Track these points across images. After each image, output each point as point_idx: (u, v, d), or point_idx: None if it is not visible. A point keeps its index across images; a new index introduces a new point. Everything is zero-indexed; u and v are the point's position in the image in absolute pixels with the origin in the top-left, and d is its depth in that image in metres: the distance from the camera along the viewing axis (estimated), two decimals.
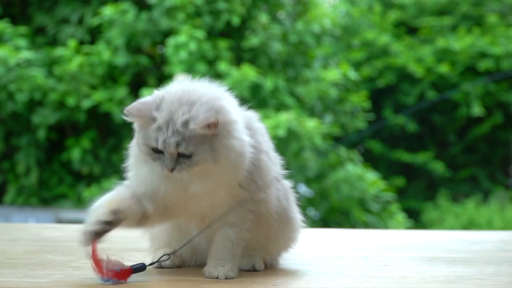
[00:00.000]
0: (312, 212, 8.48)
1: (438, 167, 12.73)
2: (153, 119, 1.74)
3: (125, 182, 1.92)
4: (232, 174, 1.78)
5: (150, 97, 1.81)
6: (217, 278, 1.77)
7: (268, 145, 1.91)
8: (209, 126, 1.70)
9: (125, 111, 1.76)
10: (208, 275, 1.79)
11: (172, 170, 1.73)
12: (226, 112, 1.75)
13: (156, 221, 1.84)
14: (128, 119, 1.78)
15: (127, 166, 1.92)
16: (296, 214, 2.03)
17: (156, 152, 1.75)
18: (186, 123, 1.71)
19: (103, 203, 1.84)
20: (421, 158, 12.91)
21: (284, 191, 1.98)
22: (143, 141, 1.77)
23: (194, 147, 1.72)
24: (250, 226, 1.86)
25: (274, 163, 1.92)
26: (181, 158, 1.73)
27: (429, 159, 12.86)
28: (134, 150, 1.85)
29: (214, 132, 1.72)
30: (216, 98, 1.77)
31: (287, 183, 2.02)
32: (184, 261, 1.99)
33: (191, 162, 1.73)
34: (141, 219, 1.80)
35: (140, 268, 1.80)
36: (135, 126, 1.81)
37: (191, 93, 1.77)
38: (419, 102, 12.89)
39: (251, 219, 1.86)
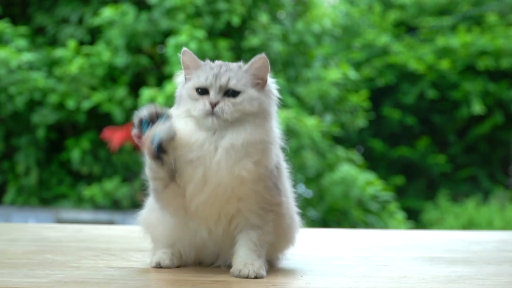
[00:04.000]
0: (312, 212, 8.48)
1: (439, 160, 12.75)
2: (206, 63, 1.87)
3: None
4: (265, 134, 1.81)
5: None
6: (247, 277, 1.79)
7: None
8: (261, 68, 1.85)
9: (183, 50, 1.87)
10: (238, 274, 1.81)
11: (215, 104, 1.77)
12: (273, 83, 1.92)
13: (173, 188, 1.83)
14: (184, 57, 1.87)
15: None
16: (296, 214, 2.04)
17: (201, 93, 1.82)
18: (240, 67, 1.86)
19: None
20: (421, 149, 12.92)
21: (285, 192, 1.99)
22: (188, 85, 1.84)
23: (244, 86, 1.81)
24: (271, 228, 1.88)
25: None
26: (226, 97, 1.79)
27: (428, 152, 12.87)
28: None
29: (264, 79, 1.85)
30: None
31: (287, 185, 2.03)
32: (186, 263, 1.99)
33: (236, 101, 1.79)
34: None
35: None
36: (179, 80, 1.90)
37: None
38: (419, 101, 12.89)
39: (272, 220, 1.88)
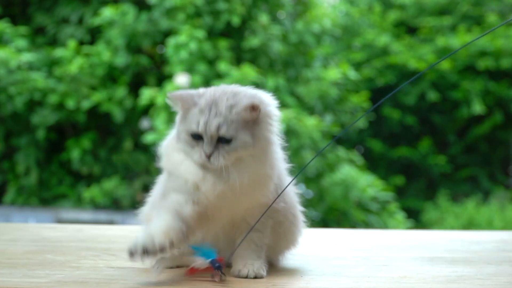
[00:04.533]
0: (312, 212, 8.49)
1: (439, 160, 12.75)
2: (196, 104, 1.76)
3: (163, 190, 1.87)
4: (267, 167, 1.79)
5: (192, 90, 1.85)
6: (246, 277, 1.79)
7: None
8: (253, 108, 1.74)
9: (168, 95, 1.79)
10: (237, 274, 1.81)
11: (209, 156, 1.74)
12: (268, 105, 1.80)
13: (196, 229, 1.79)
14: (171, 102, 1.80)
15: (163, 167, 1.89)
16: (299, 214, 2.04)
17: (196, 138, 1.76)
18: (230, 107, 1.74)
19: (158, 234, 1.72)
20: (421, 149, 12.93)
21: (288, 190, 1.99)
22: (183, 127, 1.78)
23: (235, 131, 1.73)
24: (269, 232, 1.89)
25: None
26: (220, 144, 1.74)
27: (428, 152, 12.88)
28: (170, 147, 1.84)
29: (256, 117, 1.75)
30: (259, 92, 1.84)
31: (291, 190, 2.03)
32: (186, 262, 1.99)
33: (230, 148, 1.74)
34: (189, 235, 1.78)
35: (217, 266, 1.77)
36: (177, 117, 1.83)
37: (233, 87, 1.83)
38: (419, 101, 12.89)
39: (270, 225, 1.89)
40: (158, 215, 1.76)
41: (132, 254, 1.68)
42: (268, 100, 1.82)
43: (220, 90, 1.81)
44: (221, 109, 1.74)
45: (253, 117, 1.75)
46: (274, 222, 1.90)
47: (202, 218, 1.78)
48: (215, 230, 1.88)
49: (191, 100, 1.77)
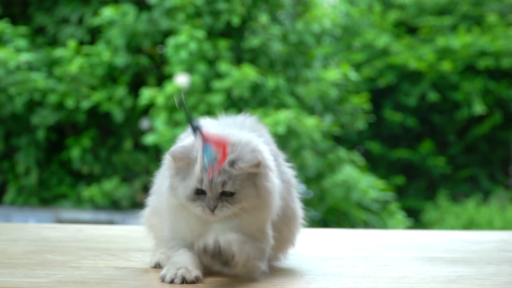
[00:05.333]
0: (312, 212, 8.49)
1: (438, 162, 12.75)
2: (195, 159, 1.75)
3: (164, 236, 1.91)
4: (268, 214, 1.82)
5: (187, 140, 1.81)
6: (204, 249, 1.70)
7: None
8: (256, 165, 1.75)
9: (169, 154, 1.78)
10: (198, 245, 1.72)
11: (213, 209, 1.75)
12: (265, 154, 1.81)
13: None
14: (172, 161, 1.78)
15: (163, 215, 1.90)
16: (299, 212, 2.04)
17: (197, 193, 1.76)
18: (233, 163, 1.75)
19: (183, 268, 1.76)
20: (421, 151, 12.93)
21: (288, 187, 1.99)
22: (182, 183, 1.77)
23: (239, 185, 1.75)
24: (271, 243, 1.87)
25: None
26: (223, 197, 1.76)
27: (428, 154, 12.87)
28: (168, 200, 1.83)
29: (258, 171, 1.77)
30: (254, 139, 1.82)
31: (290, 173, 2.03)
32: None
33: (233, 200, 1.76)
34: None
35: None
36: (170, 171, 1.80)
37: (229, 136, 1.78)
38: (419, 102, 12.89)
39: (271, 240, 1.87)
40: (175, 253, 1.81)
41: (172, 281, 1.72)
42: (263, 149, 1.82)
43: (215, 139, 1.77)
44: (224, 166, 1.74)
45: (256, 171, 1.77)
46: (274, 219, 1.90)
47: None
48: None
49: (192, 156, 1.76)
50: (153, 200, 2.02)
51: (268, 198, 1.80)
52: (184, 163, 1.77)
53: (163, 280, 1.73)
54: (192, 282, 1.73)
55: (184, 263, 1.77)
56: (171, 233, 1.86)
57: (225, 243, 1.70)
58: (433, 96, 12.57)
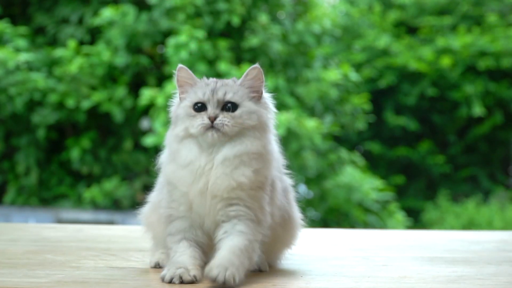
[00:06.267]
0: (312, 212, 8.48)
1: (438, 160, 12.76)
2: (201, 80, 1.86)
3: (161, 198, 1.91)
4: (259, 151, 1.80)
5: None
6: (214, 280, 1.69)
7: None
8: (256, 78, 1.83)
9: (177, 68, 1.87)
10: (207, 273, 1.71)
11: (214, 118, 1.77)
12: (269, 97, 1.91)
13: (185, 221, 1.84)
14: (178, 75, 1.86)
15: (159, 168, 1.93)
16: (296, 213, 2.04)
17: (198, 109, 1.81)
18: (234, 81, 1.85)
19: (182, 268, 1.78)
20: (420, 150, 12.93)
21: (284, 189, 1.99)
22: (183, 104, 1.84)
23: (241, 98, 1.81)
24: (261, 238, 1.83)
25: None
26: (225, 112, 1.79)
27: (428, 153, 12.88)
28: (170, 134, 1.88)
29: (260, 88, 1.85)
30: None
31: (288, 181, 2.03)
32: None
33: (234, 114, 1.79)
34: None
35: None
36: (178, 95, 1.89)
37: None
38: (419, 102, 12.89)
39: (262, 233, 1.83)
40: (176, 251, 1.81)
41: (170, 281, 1.73)
42: (268, 95, 1.91)
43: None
44: (227, 82, 1.84)
45: (257, 86, 1.83)
46: (273, 220, 1.89)
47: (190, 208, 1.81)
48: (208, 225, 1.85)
49: (196, 79, 1.86)
50: (153, 196, 2.03)
51: (268, 123, 1.84)
52: (192, 79, 1.86)
53: (163, 279, 1.74)
54: (191, 282, 1.73)
55: (184, 263, 1.77)
56: (168, 195, 1.84)
57: (229, 277, 1.71)
58: (431, 91, 12.57)
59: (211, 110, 1.78)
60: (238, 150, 1.77)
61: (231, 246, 1.75)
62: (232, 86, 1.82)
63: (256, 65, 1.84)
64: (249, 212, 1.79)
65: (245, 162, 1.77)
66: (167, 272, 1.75)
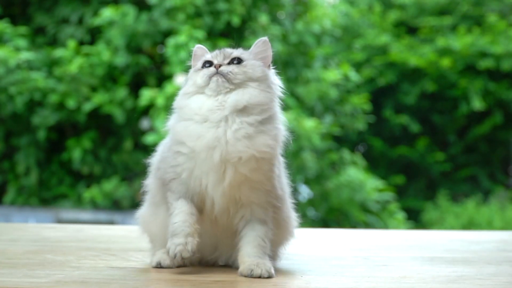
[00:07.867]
0: (312, 212, 8.49)
1: (438, 157, 12.76)
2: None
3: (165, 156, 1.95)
4: (267, 102, 1.85)
5: None
6: (259, 277, 1.77)
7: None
8: (264, 49, 1.91)
9: (196, 46, 1.96)
10: (250, 274, 1.79)
11: (219, 66, 1.83)
12: (275, 74, 1.95)
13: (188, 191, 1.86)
14: (196, 50, 1.95)
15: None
16: (291, 211, 2.05)
17: (206, 66, 1.87)
18: (242, 49, 1.93)
19: (178, 236, 1.84)
20: (420, 148, 12.93)
21: (284, 197, 2.00)
22: (199, 63, 1.90)
23: (247, 56, 1.88)
24: (272, 225, 1.89)
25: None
26: (232, 65, 1.86)
27: (428, 151, 12.88)
28: (181, 93, 1.92)
29: (267, 55, 1.90)
30: None
31: (288, 190, 2.04)
32: (202, 258, 1.99)
33: (240, 65, 1.85)
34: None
35: None
36: (191, 67, 1.94)
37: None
38: (419, 101, 12.89)
39: (273, 216, 1.89)
40: (175, 207, 1.85)
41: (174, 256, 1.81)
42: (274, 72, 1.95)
43: None
44: (234, 49, 1.92)
45: (264, 57, 1.89)
46: (274, 211, 1.90)
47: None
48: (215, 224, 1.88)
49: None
50: (148, 197, 2.04)
51: (273, 80, 1.88)
52: (203, 54, 1.93)
53: (168, 253, 1.82)
54: (191, 252, 1.79)
55: (181, 228, 1.82)
56: (172, 158, 1.88)
57: (270, 270, 1.81)
58: (431, 87, 12.56)
59: (217, 61, 1.86)
60: (244, 99, 1.81)
61: (254, 238, 1.84)
62: (239, 50, 1.91)
63: (265, 38, 1.94)
64: (264, 196, 1.85)
65: (256, 120, 1.82)
66: (170, 246, 1.82)
